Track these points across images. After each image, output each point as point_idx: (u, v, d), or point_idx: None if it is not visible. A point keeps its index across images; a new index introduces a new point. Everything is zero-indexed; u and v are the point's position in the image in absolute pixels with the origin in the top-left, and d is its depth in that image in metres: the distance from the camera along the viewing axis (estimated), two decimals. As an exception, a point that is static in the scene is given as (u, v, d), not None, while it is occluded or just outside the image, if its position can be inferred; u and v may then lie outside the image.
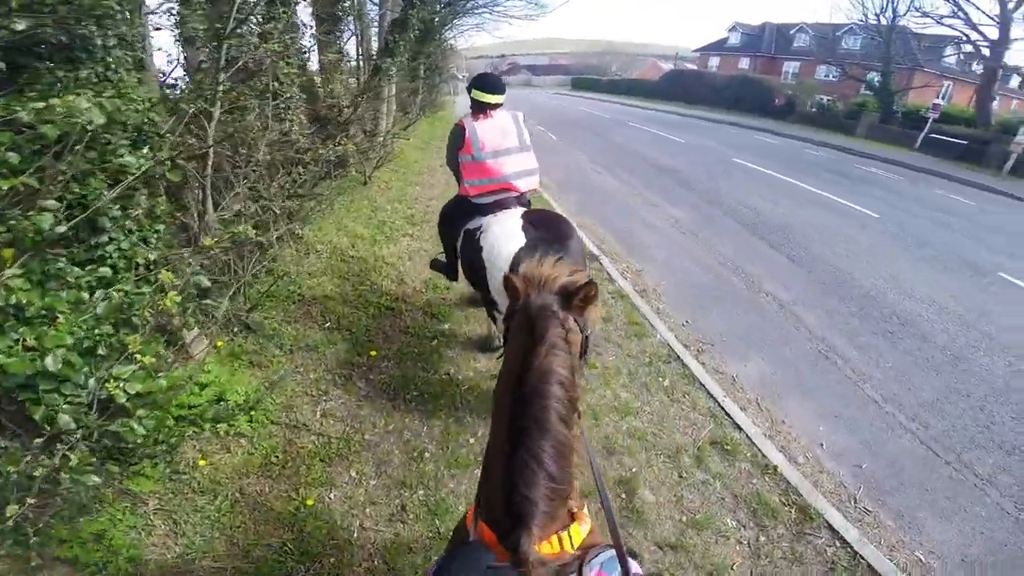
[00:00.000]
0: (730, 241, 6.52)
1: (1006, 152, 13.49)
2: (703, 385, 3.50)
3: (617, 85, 41.60)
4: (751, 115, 24.15)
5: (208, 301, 2.77)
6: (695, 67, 38.73)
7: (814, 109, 22.76)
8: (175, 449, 2.36)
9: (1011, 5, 15.79)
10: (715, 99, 27.77)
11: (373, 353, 3.44)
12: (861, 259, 6.15)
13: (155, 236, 2.28)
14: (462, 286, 3.96)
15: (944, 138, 15.69)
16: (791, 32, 31.91)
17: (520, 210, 2.79)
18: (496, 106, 2.78)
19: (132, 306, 1.80)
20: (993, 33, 16.85)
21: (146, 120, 1.97)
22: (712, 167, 11.23)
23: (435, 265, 3.72)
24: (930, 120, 16.26)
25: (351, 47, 8.18)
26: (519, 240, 2.47)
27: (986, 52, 17.45)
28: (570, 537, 0.90)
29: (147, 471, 2.27)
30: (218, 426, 2.52)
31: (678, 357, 3.83)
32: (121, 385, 1.65)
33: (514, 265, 2.38)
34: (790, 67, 31.14)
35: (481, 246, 2.62)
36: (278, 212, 4.04)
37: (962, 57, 24.57)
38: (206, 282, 2.22)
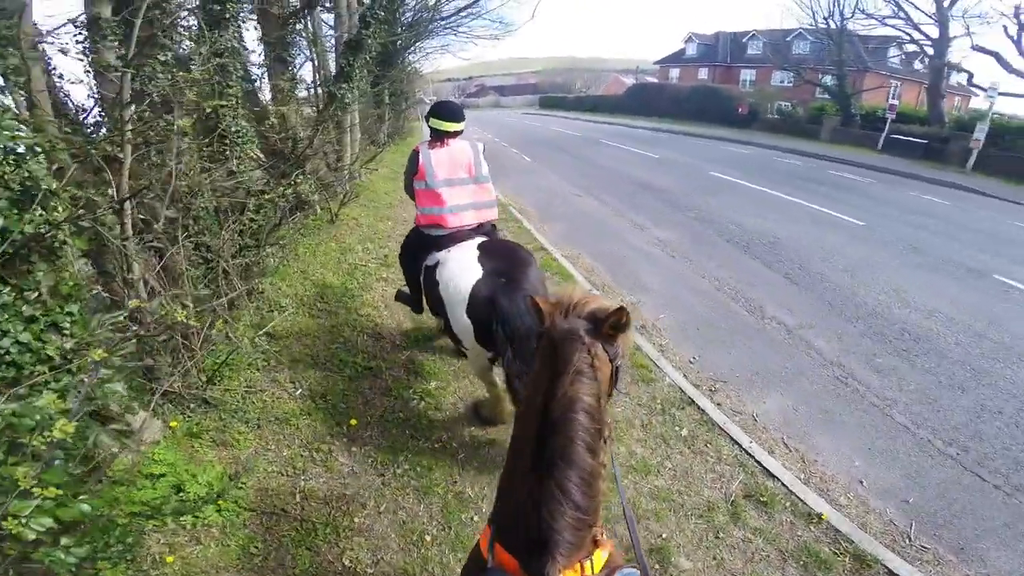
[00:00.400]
0: (724, 263, 6.29)
1: (967, 149, 13.88)
2: (724, 431, 3.21)
3: (583, 102, 42.00)
4: (715, 125, 24.42)
5: (154, 383, 2.41)
6: (656, 80, 39.46)
7: (776, 116, 23.33)
8: (133, 548, 2.01)
9: (946, 3, 16.44)
10: (678, 111, 28.13)
11: (353, 422, 3.07)
12: (859, 273, 6.00)
13: (68, 319, 1.89)
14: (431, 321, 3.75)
15: (904, 138, 16.16)
16: (744, 40, 32.58)
17: (477, 240, 2.69)
18: (455, 134, 2.73)
19: (21, 424, 1.39)
20: (934, 32, 17.52)
21: (27, 173, 1.54)
22: (691, 182, 11.17)
23: (400, 297, 3.63)
24: (888, 121, 16.74)
25: (307, 73, 7.73)
26: (475, 272, 2.41)
27: (929, 51, 18.10)
28: (592, 564, 0.90)
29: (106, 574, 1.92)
30: (183, 518, 2.25)
31: (692, 401, 3.52)
32: (24, 522, 1.31)
33: (474, 298, 2.33)
34: (747, 75, 31.91)
35: (438, 281, 2.54)
36: (229, 269, 3.58)
37: (904, 57, 25.46)
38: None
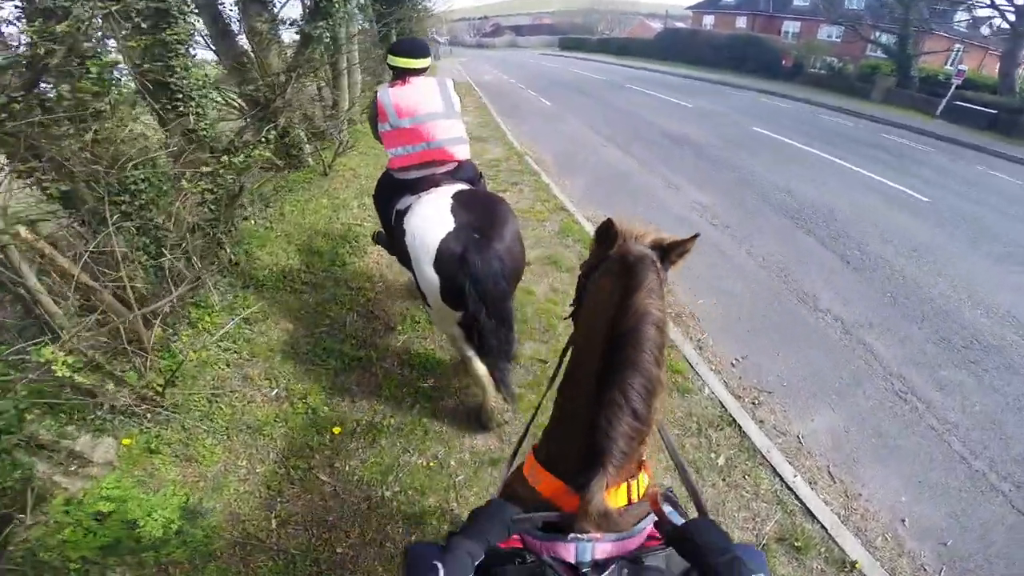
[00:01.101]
0: (772, 237, 5.46)
1: (1042, 122, 12.46)
2: (766, 459, 2.76)
3: (608, 44, 39.92)
4: (755, 76, 22.81)
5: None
6: (683, 26, 37.68)
7: (823, 71, 21.42)
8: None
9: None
10: (715, 59, 26.41)
11: (336, 430, 2.71)
12: (924, 259, 5.16)
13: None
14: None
15: (969, 106, 14.59)
16: None
17: (454, 188, 2.47)
18: (417, 71, 2.53)
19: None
20: (1021, -3, 15.57)
21: None
22: (731, 138, 10.03)
23: (377, 239, 3.50)
24: (953, 86, 15.11)
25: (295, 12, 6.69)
26: (446, 225, 2.20)
27: (1011, 16, 16.16)
28: (637, 486, 0.91)
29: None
30: (143, 555, 2.04)
31: (732, 420, 2.98)
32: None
33: (441, 253, 2.15)
34: (790, 26, 30.23)
35: (404, 230, 2.33)
36: (190, 250, 3.09)
37: (971, 20, 23.46)
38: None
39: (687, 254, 1.01)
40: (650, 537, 0.90)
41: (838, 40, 25.28)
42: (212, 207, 3.55)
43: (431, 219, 2.23)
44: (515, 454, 1.24)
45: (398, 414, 2.83)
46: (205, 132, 3.58)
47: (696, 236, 1.00)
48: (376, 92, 2.54)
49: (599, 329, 0.90)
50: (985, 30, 23.62)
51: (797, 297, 4.33)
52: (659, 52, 31.77)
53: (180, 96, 3.39)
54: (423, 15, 19.36)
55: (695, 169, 7.72)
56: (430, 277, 2.21)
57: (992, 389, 3.42)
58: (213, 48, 5.18)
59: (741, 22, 32.79)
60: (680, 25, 38.98)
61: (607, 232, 1.02)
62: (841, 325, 3.98)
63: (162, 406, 2.63)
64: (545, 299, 3.90)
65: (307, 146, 6.06)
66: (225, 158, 3.17)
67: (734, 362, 3.54)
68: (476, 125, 10.42)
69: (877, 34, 20.51)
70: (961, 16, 22.83)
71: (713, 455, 2.76)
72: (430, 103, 2.50)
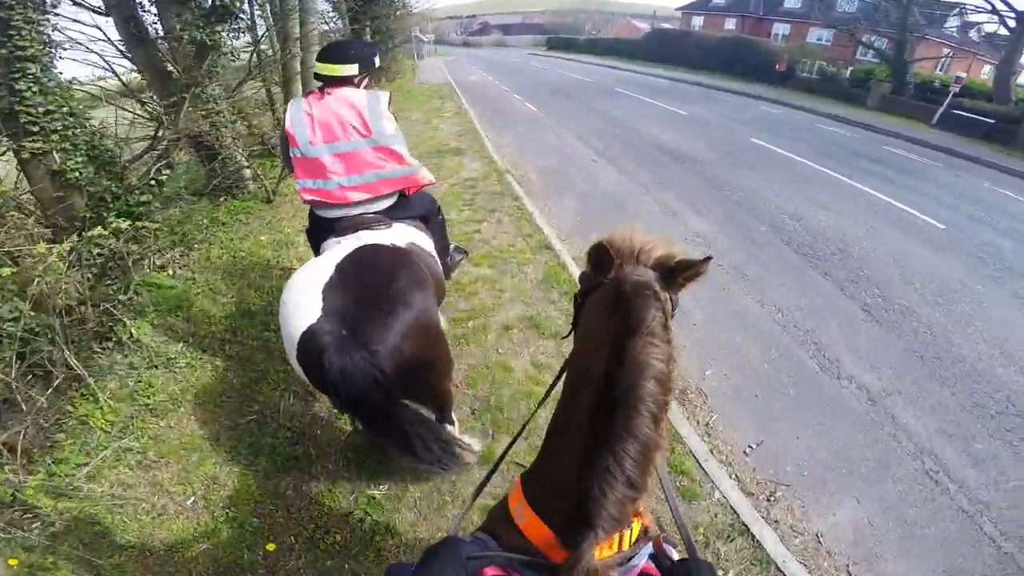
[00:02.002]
0: (786, 280, 4.81)
1: (1044, 133, 12.10)
2: (781, 570, 2.32)
3: (596, 45, 39.77)
4: (745, 79, 22.49)
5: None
6: (670, 27, 37.92)
7: (815, 76, 21.05)
8: None
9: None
10: (705, 61, 26.13)
11: (271, 547, 2.24)
12: (952, 306, 4.57)
13: None
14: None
15: (965, 114, 14.23)
16: None
17: (354, 245, 1.97)
18: (340, 81, 2.08)
19: None
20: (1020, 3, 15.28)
21: None
22: (729, 151, 9.42)
23: None
24: (951, 94, 14.76)
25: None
26: (310, 312, 1.67)
27: (1010, 22, 15.85)
28: (630, 535, 0.89)
29: None
30: None
31: (745, 528, 2.49)
32: None
33: (301, 354, 1.66)
34: (780, 29, 30.37)
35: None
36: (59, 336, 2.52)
37: (961, 26, 23.42)
38: None
39: (700, 277, 0.88)
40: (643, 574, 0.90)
41: (828, 44, 25.35)
42: (93, 274, 2.76)
43: (296, 300, 1.75)
44: (478, 492, 1.17)
45: (344, 528, 2.28)
46: (76, 174, 2.78)
47: (708, 259, 0.88)
48: (288, 107, 2.12)
49: (592, 375, 0.84)
50: (974, 35, 23.57)
51: (818, 362, 3.72)
52: (647, 53, 31.58)
53: (37, 130, 2.57)
54: (403, 13, 18.61)
55: (694, 189, 7.06)
56: (299, 371, 1.77)
57: (1027, 461, 3.00)
58: (128, 55, 4.34)
59: (730, 24, 32.89)
60: (667, 26, 39.09)
61: (600, 260, 0.90)
62: (867, 395, 3.44)
63: (52, 522, 2.18)
64: (525, 377, 3.17)
65: (247, 169, 5.22)
66: (97, 230, 2.36)
67: (748, 450, 2.99)
68: (454, 134, 9.65)
69: (872, 38, 20.27)
70: (952, 22, 22.74)
71: (722, 572, 2.32)
72: (349, 127, 2.06)
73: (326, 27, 13.31)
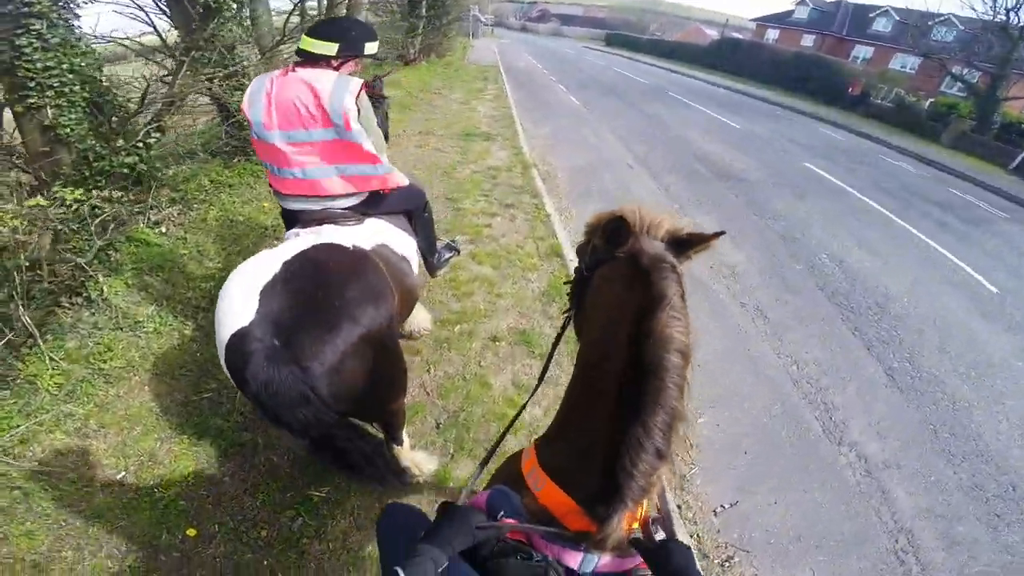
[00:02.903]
0: (810, 330, 4.41)
1: None
2: None
3: (658, 46, 39.00)
4: (813, 100, 21.61)
5: None
6: (741, 37, 37.40)
7: (890, 104, 19.86)
8: None
9: None
10: (773, 76, 25.36)
11: (191, 532, 2.15)
12: (984, 382, 4.12)
13: None
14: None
15: (1052, 163, 13.12)
16: (872, 14, 30.41)
17: (308, 242, 1.73)
18: (315, 61, 1.84)
19: None
20: None
21: None
22: (779, 172, 8.88)
23: None
24: (1039, 139, 13.65)
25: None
26: (242, 314, 1.47)
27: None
28: (643, 511, 0.92)
29: None
30: None
31: None
32: None
33: (230, 351, 1.46)
34: (861, 51, 30.03)
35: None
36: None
37: None
38: None
39: (708, 250, 0.93)
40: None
41: (912, 72, 24.70)
42: (71, 229, 2.67)
43: (232, 296, 1.54)
44: (489, 456, 1.21)
45: (273, 525, 2.17)
46: (67, 130, 2.71)
47: (721, 234, 0.92)
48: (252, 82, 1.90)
49: (615, 348, 0.85)
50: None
51: (823, 424, 3.42)
52: (712, 61, 31.19)
53: (32, 85, 2.56)
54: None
55: (733, 213, 6.63)
56: (224, 369, 1.57)
57: (1003, 547, 2.86)
58: (166, 12, 4.27)
59: (807, 40, 32.81)
60: (738, 36, 38.53)
61: (618, 233, 0.92)
62: (864, 466, 3.19)
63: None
64: (502, 397, 2.93)
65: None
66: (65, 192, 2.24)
67: (718, 510, 2.79)
68: (488, 118, 9.41)
69: (964, 70, 18.98)
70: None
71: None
72: (306, 114, 1.80)
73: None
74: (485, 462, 1.30)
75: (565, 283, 1.16)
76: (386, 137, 2.66)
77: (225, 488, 2.29)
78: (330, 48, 1.82)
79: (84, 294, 3.09)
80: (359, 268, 1.69)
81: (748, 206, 6.95)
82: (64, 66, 2.68)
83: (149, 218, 3.92)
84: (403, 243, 2.12)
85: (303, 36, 1.85)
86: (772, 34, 35.70)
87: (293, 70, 1.81)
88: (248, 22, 5.26)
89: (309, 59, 1.84)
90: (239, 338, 1.45)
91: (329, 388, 1.52)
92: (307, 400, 1.47)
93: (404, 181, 2.09)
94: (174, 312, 3.24)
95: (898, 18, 27.72)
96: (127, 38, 4.24)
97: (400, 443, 2.20)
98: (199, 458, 2.41)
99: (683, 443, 0.96)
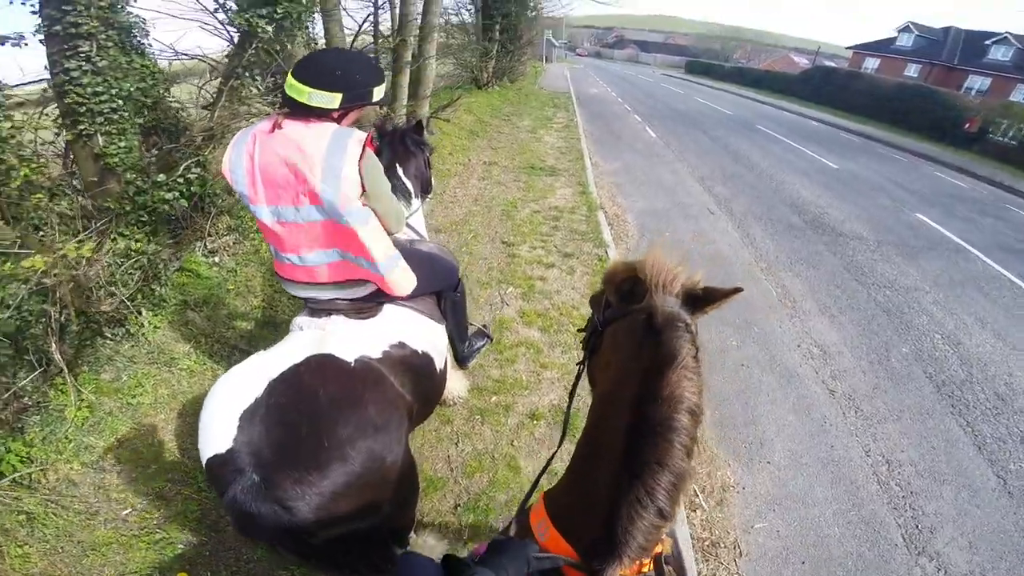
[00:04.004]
0: (911, 426, 3.70)
1: None
2: None
3: (742, 74, 37.84)
4: (920, 136, 19.81)
5: None
6: (835, 66, 36.59)
7: (1014, 142, 17.71)
8: None
9: None
10: (873, 108, 23.65)
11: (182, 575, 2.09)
12: None
13: None
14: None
15: None
16: (987, 41, 28.92)
17: (306, 348, 1.49)
18: (310, 115, 1.45)
19: None
20: None
21: None
22: (885, 226, 7.93)
23: None
24: None
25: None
26: (220, 439, 1.32)
27: None
28: (650, 560, 0.93)
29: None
30: None
31: None
32: None
33: (209, 478, 1.36)
34: (976, 82, 28.20)
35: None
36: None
37: None
38: None
39: (722, 306, 0.95)
40: None
41: None
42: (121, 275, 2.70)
43: (211, 414, 1.38)
44: (528, 495, 1.22)
45: None
46: (116, 159, 2.70)
47: (739, 290, 0.94)
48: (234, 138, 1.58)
49: (622, 405, 0.87)
50: None
51: (905, 534, 2.85)
52: (803, 91, 30.09)
53: (83, 111, 2.57)
54: (537, 14, 18.71)
55: (829, 276, 5.88)
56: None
57: None
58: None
59: (912, 70, 31.35)
60: (832, 64, 37.20)
61: (633, 290, 0.97)
62: None
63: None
64: (530, 485, 2.54)
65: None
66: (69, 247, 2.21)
67: None
68: (555, 150, 9.20)
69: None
70: None
71: None
72: (293, 187, 1.46)
73: (455, 18, 13.61)
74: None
75: (579, 331, 1.17)
76: (427, 188, 2.41)
77: (225, 538, 2.27)
78: (330, 99, 1.43)
79: (127, 326, 3.11)
80: (357, 396, 1.44)
81: (848, 269, 6.16)
82: (114, 91, 2.67)
83: (206, 245, 3.97)
84: (427, 336, 1.86)
85: (289, 78, 1.44)
86: (871, 63, 34.43)
87: (280, 126, 1.44)
88: (316, 43, 5.37)
89: (298, 109, 1.45)
90: (218, 464, 1.31)
91: (318, 524, 1.33)
92: (290, 531, 1.32)
93: (408, 286, 1.73)
94: (210, 351, 3.24)
95: (1020, 45, 26.35)
96: (201, 56, 4.34)
97: (406, 545, 1.91)
98: (205, 504, 2.39)
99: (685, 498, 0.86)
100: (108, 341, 3.04)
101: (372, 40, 6.93)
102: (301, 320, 1.72)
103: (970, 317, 5.36)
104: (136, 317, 3.09)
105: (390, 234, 1.66)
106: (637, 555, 0.80)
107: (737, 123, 16.76)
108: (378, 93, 1.54)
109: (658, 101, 20.02)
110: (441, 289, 2.05)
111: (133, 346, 3.10)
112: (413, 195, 2.27)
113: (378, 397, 1.47)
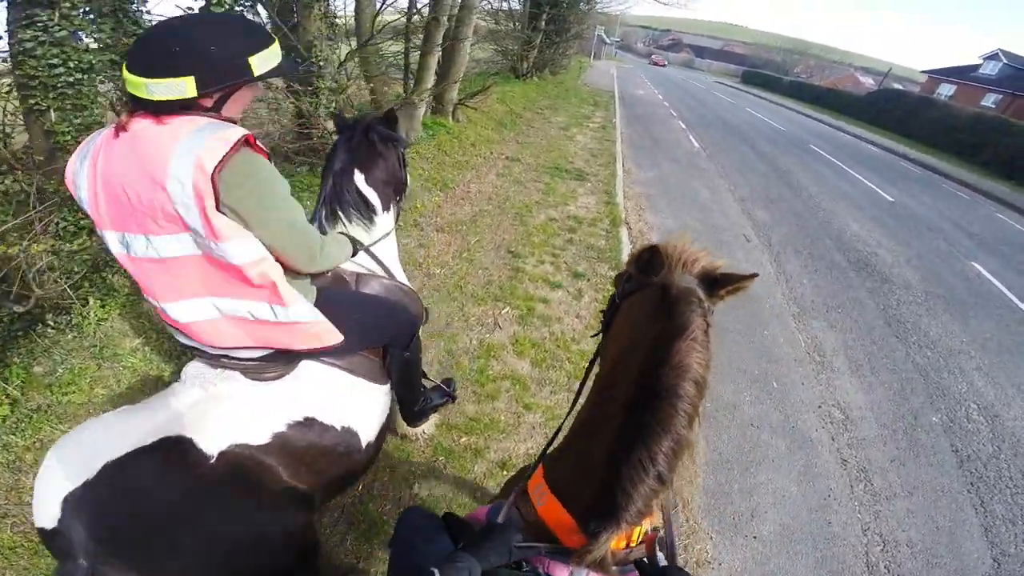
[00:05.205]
0: (918, 503, 3.30)
1: None
2: None
3: (802, 90, 36.39)
4: (987, 171, 18.59)
5: None
6: (905, 89, 35.19)
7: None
8: None
9: None
10: (942, 139, 22.37)
11: None
12: None
13: None
14: None
15: None
16: None
17: (173, 414, 1.23)
18: (154, 109, 1.03)
19: None
20: None
21: None
22: (938, 276, 7.26)
23: None
24: None
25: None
26: (49, 511, 1.12)
27: None
28: (640, 531, 0.95)
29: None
30: None
31: None
32: None
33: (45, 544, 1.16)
34: None
35: None
36: None
37: None
38: None
39: (741, 291, 0.97)
40: None
41: None
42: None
43: (38, 483, 1.17)
44: (540, 458, 1.18)
45: None
46: (67, 137, 2.53)
47: (754, 276, 0.95)
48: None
49: (629, 371, 0.89)
50: None
51: None
52: (866, 113, 28.84)
53: (35, 84, 2.45)
54: (588, 8, 18.17)
55: (867, 329, 5.33)
56: None
57: None
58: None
59: (990, 100, 30.13)
60: (900, 87, 35.30)
61: (651, 262, 0.99)
62: None
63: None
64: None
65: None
66: None
67: None
68: (586, 152, 8.77)
69: None
70: None
71: None
72: (141, 207, 1.06)
73: (503, 3, 13.21)
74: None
75: (600, 311, 1.17)
76: (401, 190, 1.98)
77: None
78: (180, 86, 1.00)
79: (71, 316, 2.90)
80: (200, 508, 1.16)
81: (888, 322, 5.59)
82: (71, 64, 2.44)
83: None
84: (354, 406, 1.51)
85: (123, 71, 1.03)
86: (946, 89, 33.40)
87: (124, 128, 1.04)
88: (336, 20, 5.14)
89: (141, 105, 1.04)
90: (47, 536, 1.15)
91: None
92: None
93: (332, 340, 1.33)
94: (160, 348, 2.99)
95: None
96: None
97: None
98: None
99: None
100: (49, 330, 2.84)
101: (405, 23, 6.66)
102: (192, 369, 1.36)
103: (1013, 388, 4.78)
104: (80, 308, 2.87)
105: (302, 274, 1.31)
106: (635, 520, 0.82)
107: (789, 140, 15.96)
108: (261, 62, 1.09)
109: (707, 109, 19.28)
110: (392, 339, 1.67)
111: (75, 337, 2.89)
112: (379, 210, 1.85)
113: (228, 508, 1.19)
